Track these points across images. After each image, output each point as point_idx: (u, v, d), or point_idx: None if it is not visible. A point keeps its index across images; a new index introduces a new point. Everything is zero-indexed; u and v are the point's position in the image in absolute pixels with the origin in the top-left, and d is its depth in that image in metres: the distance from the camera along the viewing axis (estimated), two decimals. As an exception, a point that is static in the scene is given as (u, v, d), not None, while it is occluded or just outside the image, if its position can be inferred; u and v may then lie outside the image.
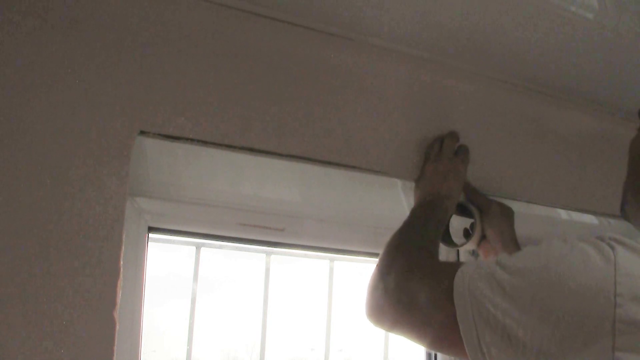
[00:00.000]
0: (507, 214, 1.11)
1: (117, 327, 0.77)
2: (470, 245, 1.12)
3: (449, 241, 1.13)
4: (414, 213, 1.00)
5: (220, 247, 1.21)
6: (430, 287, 0.76)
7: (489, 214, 1.10)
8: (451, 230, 1.14)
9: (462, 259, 1.28)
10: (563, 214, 1.38)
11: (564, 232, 1.39)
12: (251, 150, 0.94)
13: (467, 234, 1.15)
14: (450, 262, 1.19)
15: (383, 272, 0.86)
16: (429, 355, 1.35)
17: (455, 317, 0.67)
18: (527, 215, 1.34)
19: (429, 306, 0.74)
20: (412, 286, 0.78)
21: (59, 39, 0.82)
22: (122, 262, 0.80)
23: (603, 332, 0.57)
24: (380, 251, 0.90)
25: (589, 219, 1.39)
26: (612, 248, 0.61)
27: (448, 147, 1.08)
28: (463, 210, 1.12)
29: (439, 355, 1.33)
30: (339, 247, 1.28)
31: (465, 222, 1.16)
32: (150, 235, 1.06)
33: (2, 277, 0.73)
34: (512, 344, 0.62)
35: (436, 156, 1.06)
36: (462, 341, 0.66)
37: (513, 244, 1.07)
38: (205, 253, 1.17)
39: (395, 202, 1.17)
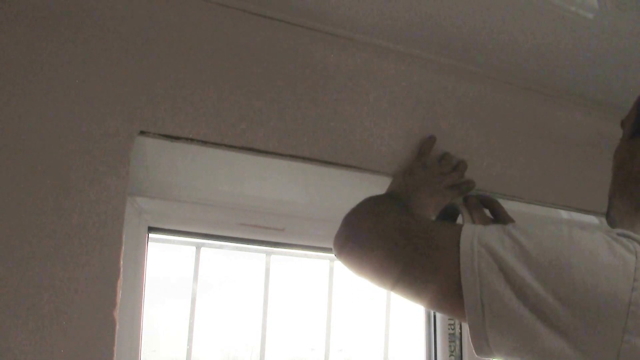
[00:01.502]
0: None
1: (117, 327, 0.77)
2: None
3: None
4: (384, 196, 0.96)
5: (220, 247, 1.21)
6: (432, 231, 0.71)
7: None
8: None
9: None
10: (563, 214, 1.38)
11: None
12: (251, 150, 0.94)
13: None
14: None
15: (370, 209, 0.80)
16: (428, 355, 1.35)
17: (454, 265, 0.63)
18: (527, 215, 1.34)
19: (427, 249, 0.69)
20: (411, 226, 0.73)
21: (59, 39, 0.82)
22: (122, 262, 0.80)
23: (616, 313, 0.57)
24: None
25: (589, 219, 1.39)
26: (630, 242, 0.61)
27: (453, 178, 1.05)
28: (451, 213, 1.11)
29: (439, 354, 1.33)
30: (339, 247, 1.28)
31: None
32: (150, 235, 1.06)
33: (2, 277, 0.73)
34: (521, 302, 0.60)
35: (440, 175, 1.04)
36: (458, 291, 0.62)
37: None
38: (205, 253, 1.17)
39: (395, 202, 1.17)
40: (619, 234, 0.63)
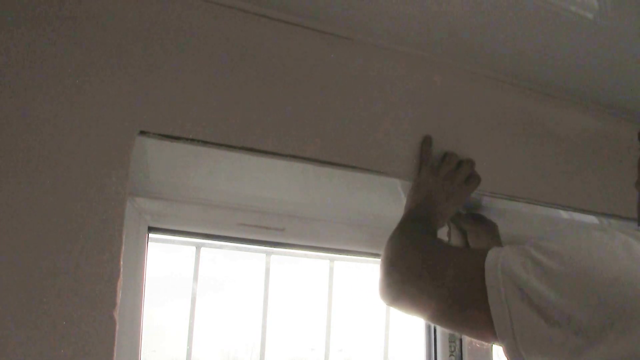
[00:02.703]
0: (494, 234, 1.12)
1: (117, 327, 0.77)
2: None
3: None
4: (407, 222, 0.98)
5: (220, 247, 1.21)
6: (458, 266, 0.74)
7: (478, 234, 1.11)
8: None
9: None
10: (563, 214, 1.38)
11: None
12: (251, 150, 0.94)
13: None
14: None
15: (400, 255, 0.84)
16: (429, 355, 1.35)
17: (483, 297, 0.65)
18: (527, 215, 1.34)
19: (456, 285, 0.72)
20: (438, 265, 0.76)
21: (59, 39, 0.82)
22: (122, 262, 0.80)
23: None
24: (384, 248, 0.89)
25: (589, 219, 1.39)
26: None
27: (463, 173, 1.07)
28: None
29: (439, 354, 1.33)
30: (339, 247, 1.28)
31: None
32: (150, 235, 1.06)
33: (3, 277, 0.73)
34: (549, 324, 0.61)
35: (448, 175, 1.05)
36: (489, 321, 0.64)
37: None
38: (205, 253, 1.17)
39: (395, 202, 1.17)
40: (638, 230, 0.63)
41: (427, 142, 1.09)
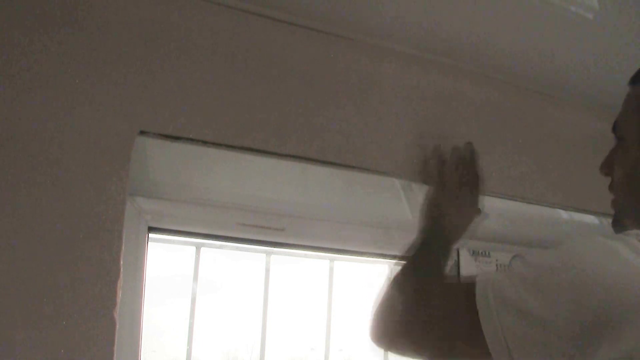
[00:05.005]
0: None
1: (117, 327, 0.77)
2: None
3: None
4: (412, 261, 0.92)
5: (220, 247, 1.21)
6: (450, 303, 0.75)
7: None
8: None
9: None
10: (563, 214, 1.38)
11: (566, 232, 1.39)
12: (251, 150, 0.94)
13: None
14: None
15: (393, 296, 0.86)
16: (429, 355, 1.35)
17: (475, 320, 0.66)
18: (527, 215, 1.34)
19: (449, 321, 0.73)
20: (432, 300, 0.78)
21: (59, 39, 0.82)
22: (122, 262, 0.80)
23: (635, 318, 0.57)
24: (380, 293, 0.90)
25: (589, 219, 1.39)
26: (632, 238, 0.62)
27: (466, 177, 1.03)
28: None
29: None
30: (339, 247, 1.28)
31: None
32: (150, 235, 1.06)
33: (2, 277, 0.73)
34: (539, 333, 0.61)
35: (455, 187, 1.01)
36: (485, 344, 0.65)
37: None
38: (205, 253, 1.17)
39: (395, 202, 1.17)
40: (626, 234, 0.64)
41: (425, 151, 1.06)
